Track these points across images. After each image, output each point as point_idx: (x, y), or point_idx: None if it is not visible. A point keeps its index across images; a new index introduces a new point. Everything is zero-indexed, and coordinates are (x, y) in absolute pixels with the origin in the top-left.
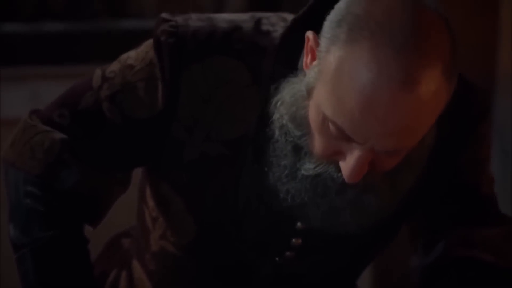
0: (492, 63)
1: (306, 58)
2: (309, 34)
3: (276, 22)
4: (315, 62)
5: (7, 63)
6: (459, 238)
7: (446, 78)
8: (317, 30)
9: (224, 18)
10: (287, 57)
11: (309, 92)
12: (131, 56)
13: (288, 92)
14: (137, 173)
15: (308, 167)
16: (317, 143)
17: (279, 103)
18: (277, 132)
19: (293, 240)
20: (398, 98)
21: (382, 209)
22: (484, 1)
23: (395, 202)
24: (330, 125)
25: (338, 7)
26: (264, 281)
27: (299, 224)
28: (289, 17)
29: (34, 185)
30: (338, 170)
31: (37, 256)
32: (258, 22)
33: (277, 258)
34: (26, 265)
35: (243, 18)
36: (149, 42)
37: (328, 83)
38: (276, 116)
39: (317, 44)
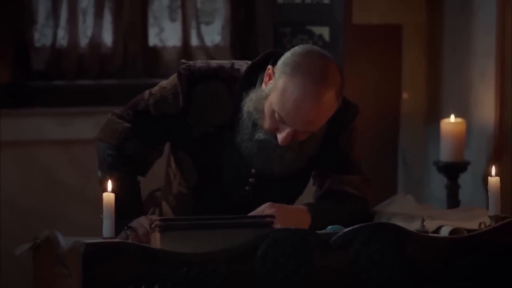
0: (397, 106)
1: (265, 79)
2: (270, 66)
3: (243, 65)
4: (271, 81)
5: (81, 104)
6: (336, 180)
7: (336, 97)
8: (267, 64)
9: (215, 62)
10: (247, 82)
11: (266, 96)
12: (165, 82)
13: (254, 95)
14: (165, 150)
15: (260, 135)
16: (267, 123)
17: (248, 100)
18: (245, 115)
19: (250, 179)
20: (313, 106)
21: (295, 162)
22: (392, 67)
23: (303, 160)
24: (276, 115)
25: (287, 56)
26: (233, 206)
27: (253, 170)
28: (249, 62)
29: (112, 150)
30: (275, 137)
31: (113, 188)
32: (232, 64)
33: (241, 191)
34: None
35: (225, 62)
36: (174, 75)
37: (278, 94)
38: (245, 106)
39: (273, 72)
